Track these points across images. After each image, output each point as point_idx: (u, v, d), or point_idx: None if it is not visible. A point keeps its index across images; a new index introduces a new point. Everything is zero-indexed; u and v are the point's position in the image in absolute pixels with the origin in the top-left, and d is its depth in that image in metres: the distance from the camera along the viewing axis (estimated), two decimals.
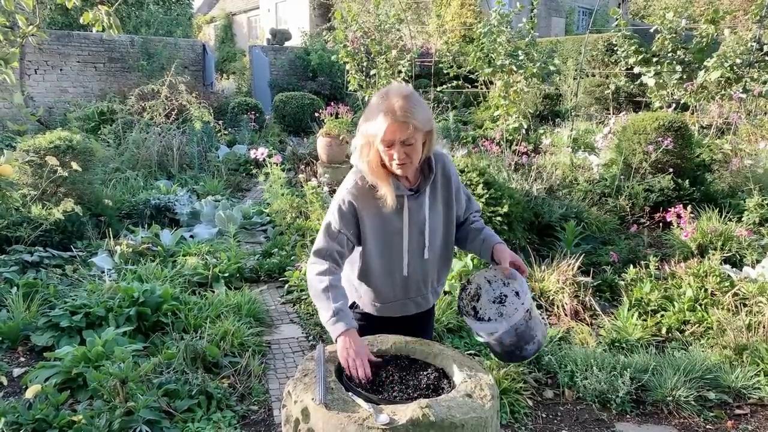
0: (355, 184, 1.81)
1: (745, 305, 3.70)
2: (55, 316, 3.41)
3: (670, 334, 3.69)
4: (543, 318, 3.91)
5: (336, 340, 1.68)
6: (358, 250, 1.89)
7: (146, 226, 5.48)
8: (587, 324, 3.80)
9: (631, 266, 4.34)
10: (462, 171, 4.71)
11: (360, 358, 1.62)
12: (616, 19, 7.95)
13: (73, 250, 4.73)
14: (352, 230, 1.82)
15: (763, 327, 3.45)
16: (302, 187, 5.90)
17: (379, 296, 1.93)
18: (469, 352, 3.44)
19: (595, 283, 4.21)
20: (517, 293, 1.84)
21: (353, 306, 2.01)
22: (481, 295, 1.91)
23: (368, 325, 1.98)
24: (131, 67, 12.75)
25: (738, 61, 7.25)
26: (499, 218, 4.47)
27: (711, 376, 3.07)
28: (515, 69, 7.31)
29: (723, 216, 5.15)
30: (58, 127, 7.43)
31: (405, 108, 1.66)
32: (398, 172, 1.75)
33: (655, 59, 7.83)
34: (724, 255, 4.39)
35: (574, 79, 12.03)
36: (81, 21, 2.39)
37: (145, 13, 16.28)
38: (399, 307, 1.96)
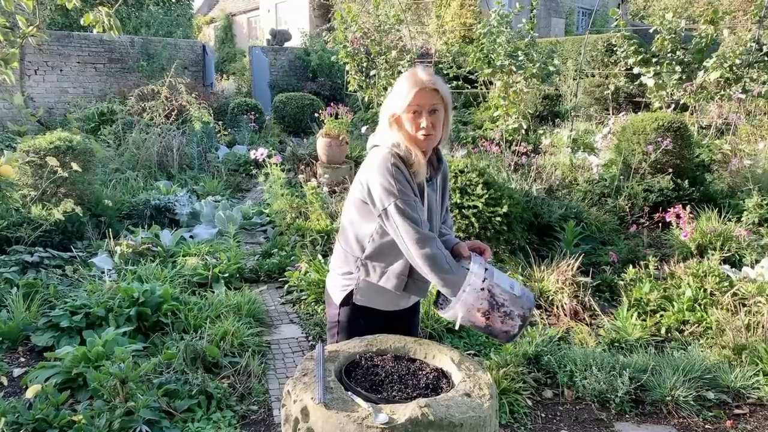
0: (393, 155, 1.77)
1: (744, 305, 3.71)
2: (55, 317, 3.42)
3: (669, 334, 3.69)
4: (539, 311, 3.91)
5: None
6: (373, 226, 1.84)
7: (146, 226, 5.48)
8: (587, 324, 3.81)
9: (631, 266, 4.35)
10: (462, 171, 4.72)
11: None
12: (616, 20, 7.96)
13: (73, 250, 4.73)
14: (412, 192, 1.77)
15: (762, 327, 3.45)
16: (302, 187, 5.92)
17: (386, 274, 1.87)
18: (468, 351, 3.44)
19: (594, 283, 4.21)
20: (491, 288, 1.75)
21: (346, 301, 1.95)
22: None
23: (359, 320, 1.95)
24: (131, 68, 12.76)
25: (737, 61, 7.27)
26: (498, 218, 4.48)
27: (710, 376, 3.07)
28: (515, 69, 7.32)
29: (722, 216, 5.16)
30: (58, 128, 7.45)
31: (432, 78, 1.77)
32: (422, 144, 1.79)
33: (654, 60, 7.85)
34: (724, 255, 4.40)
35: (574, 79, 12.04)
36: (81, 22, 2.39)
37: (145, 14, 16.30)
38: (395, 296, 1.92)
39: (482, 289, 1.70)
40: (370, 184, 1.78)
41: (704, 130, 8.04)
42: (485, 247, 1.90)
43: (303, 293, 4.27)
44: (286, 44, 17.05)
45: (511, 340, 1.78)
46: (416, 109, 1.76)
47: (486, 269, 1.75)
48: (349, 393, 1.53)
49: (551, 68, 7.59)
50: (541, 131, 8.98)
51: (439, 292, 1.88)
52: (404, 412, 1.40)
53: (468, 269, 1.77)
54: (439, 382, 1.66)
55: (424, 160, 1.79)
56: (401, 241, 1.75)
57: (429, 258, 1.71)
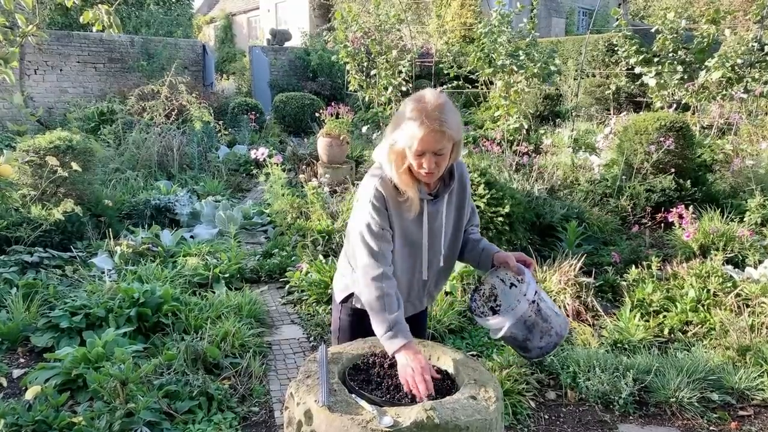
0: (382, 180, 1.76)
1: (747, 306, 3.69)
2: (55, 317, 3.40)
3: (672, 335, 3.67)
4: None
5: (394, 356, 1.62)
6: None
7: (146, 226, 5.46)
8: (589, 325, 3.79)
9: (633, 267, 4.33)
10: None
11: (424, 373, 1.54)
12: (617, 20, 7.94)
13: (73, 250, 4.71)
14: (388, 224, 1.76)
15: (766, 328, 3.44)
16: (303, 187, 5.89)
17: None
18: (471, 353, 3.42)
19: (596, 284, 4.19)
20: (539, 302, 1.80)
21: (347, 299, 1.97)
22: (498, 294, 1.89)
23: (361, 322, 1.95)
24: (131, 68, 12.73)
25: (739, 61, 7.24)
26: (500, 219, 4.46)
27: (714, 377, 3.05)
28: (516, 69, 7.30)
29: (725, 216, 5.14)
30: (57, 128, 7.42)
31: (441, 117, 1.62)
32: (424, 180, 1.73)
33: (656, 59, 7.83)
34: (726, 255, 4.38)
35: (575, 79, 12.03)
36: (81, 20, 2.37)
37: (145, 14, 16.28)
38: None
39: (533, 302, 1.73)
40: (357, 204, 1.83)
41: (706, 130, 8.02)
42: (531, 261, 1.86)
43: (304, 294, 4.25)
44: (286, 44, 17.02)
45: (542, 356, 1.82)
46: (420, 152, 1.66)
47: (537, 282, 1.81)
48: (353, 395, 1.51)
49: (552, 68, 7.56)
50: (542, 131, 8.96)
51: (473, 297, 1.88)
52: (409, 415, 1.39)
53: (499, 278, 1.89)
54: (443, 384, 1.64)
55: (417, 196, 1.75)
56: (356, 265, 1.79)
57: (369, 295, 1.71)
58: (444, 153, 1.67)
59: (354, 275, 1.92)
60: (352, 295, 1.96)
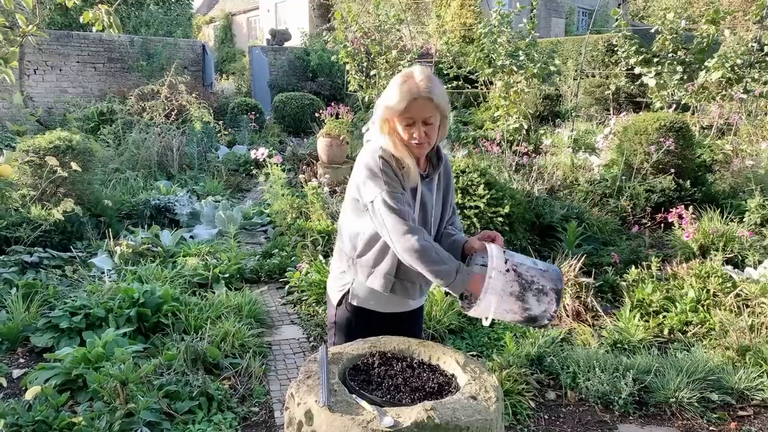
0: (382, 149, 1.77)
1: (747, 306, 3.69)
2: (54, 317, 3.39)
3: (672, 335, 3.67)
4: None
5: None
6: (364, 223, 1.83)
7: (146, 226, 5.46)
8: (589, 325, 3.79)
9: (633, 267, 4.33)
10: (463, 171, 4.70)
11: None
12: (616, 20, 7.95)
13: (73, 250, 4.71)
14: (401, 188, 1.75)
15: (766, 328, 3.44)
16: (303, 187, 5.89)
17: (373, 273, 1.85)
18: (471, 353, 3.42)
19: (596, 284, 4.19)
20: (516, 267, 1.68)
21: (342, 302, 1.95)
22: None
23: (357, 321, 1.94)
24: (131, 68, 12.73)
25: (738, 61, 7.26)
26: (500, 219, 4.46)
27: (714, 377, 3.05)
28: (516, 69, 7.31)
29: (724, 217, 5.15)
30: (57, 128, 7.42)
31: (428, 85, 1.70)
32: (415, 151, 1.77)
33: (655, 59, 7.84)
34: (726, 256, 4.39)
35: (574, 79, 12.03)
36: (81, 20, 2.37)
37: (144, 14, 16.29)
38: (389, 297, 1.90)
39: (508, 271, 1.64)
40: (358, 178, 1.79)
41: (705, 131, 8.03)
42: (495, 235, 1.84)
43: (304, 294, 4.25)
44: (286, 44, 17.02)
45: (553, 317, 1.70)
46: (409, 121, 1.72)
47: (504, 251, 1.70)
48: (354, 396, 1.51)
49: (552, 68, 7.57)
50: (541, 131, 8.96)
51: (462, 293, 1.86)
52: (410, 415, 1.39)
53: (479, 264, 1.80)
54: (444, 384, 1.64)
55: (415, 165, 1.77)
56: (386, 234, 1.72)
57: (415, 251, 1.66)
58: (433, 123, 1.74)
59: (353, 270, 1.88)
60: (348, 293, 1.92)
